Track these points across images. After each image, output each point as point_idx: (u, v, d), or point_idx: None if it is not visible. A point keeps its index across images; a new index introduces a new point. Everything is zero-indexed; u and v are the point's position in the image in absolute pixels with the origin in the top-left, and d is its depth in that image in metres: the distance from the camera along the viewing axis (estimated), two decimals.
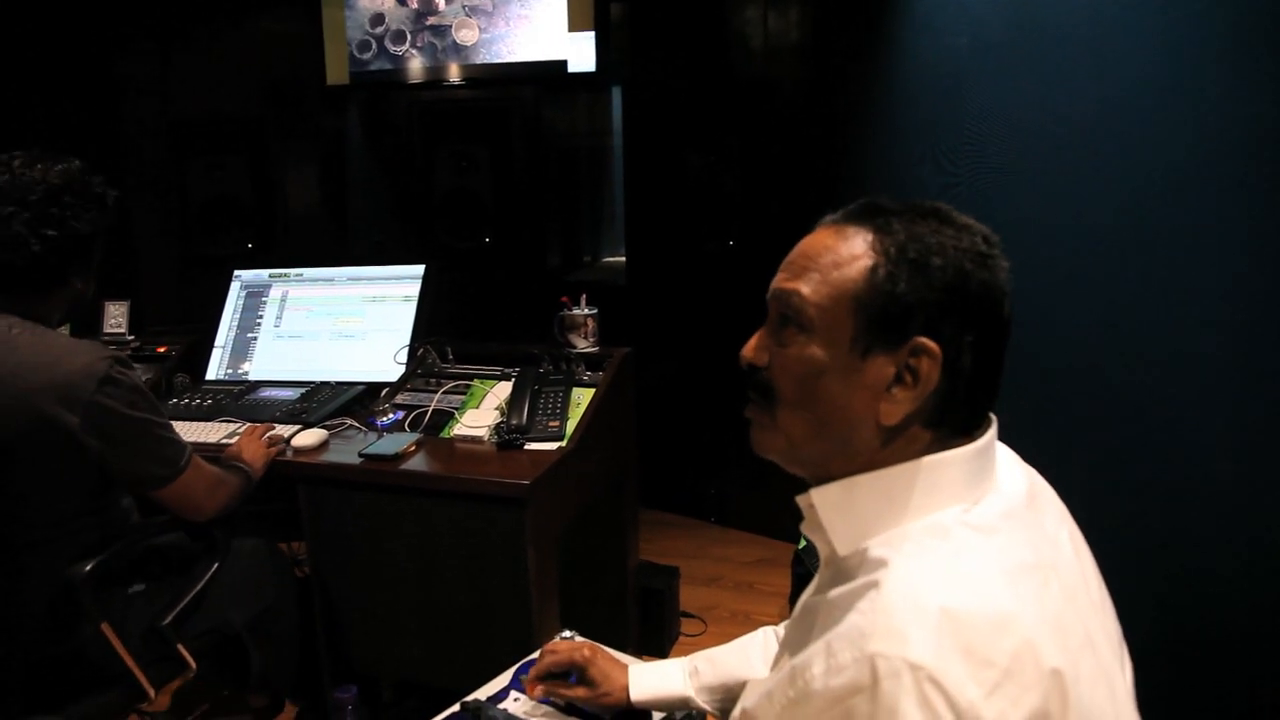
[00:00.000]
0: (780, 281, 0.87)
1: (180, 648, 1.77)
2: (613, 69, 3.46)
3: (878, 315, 0.82)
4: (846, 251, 0.84)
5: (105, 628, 1.65)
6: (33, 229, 1.60)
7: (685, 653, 1.35)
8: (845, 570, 0.84)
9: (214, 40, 3.65)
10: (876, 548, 0.81)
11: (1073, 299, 1.92)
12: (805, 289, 0.84)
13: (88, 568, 1.60)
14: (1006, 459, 0.91)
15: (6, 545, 1.60)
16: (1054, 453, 0.99)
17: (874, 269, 0.82)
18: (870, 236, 0.83)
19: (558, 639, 1.50)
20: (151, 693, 1.75)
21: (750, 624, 2.85)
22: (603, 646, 1.42)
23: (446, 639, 2.05)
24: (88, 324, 2.62)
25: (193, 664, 1.80)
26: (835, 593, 0.81)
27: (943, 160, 2.31)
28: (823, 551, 0.91)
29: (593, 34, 3.39)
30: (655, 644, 2.67)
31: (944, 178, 2.29)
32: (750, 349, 0.90)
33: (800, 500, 0.89)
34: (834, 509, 0.86)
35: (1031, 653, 0.72)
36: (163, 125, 3.58)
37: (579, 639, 1.50)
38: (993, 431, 0.87)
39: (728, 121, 3.25)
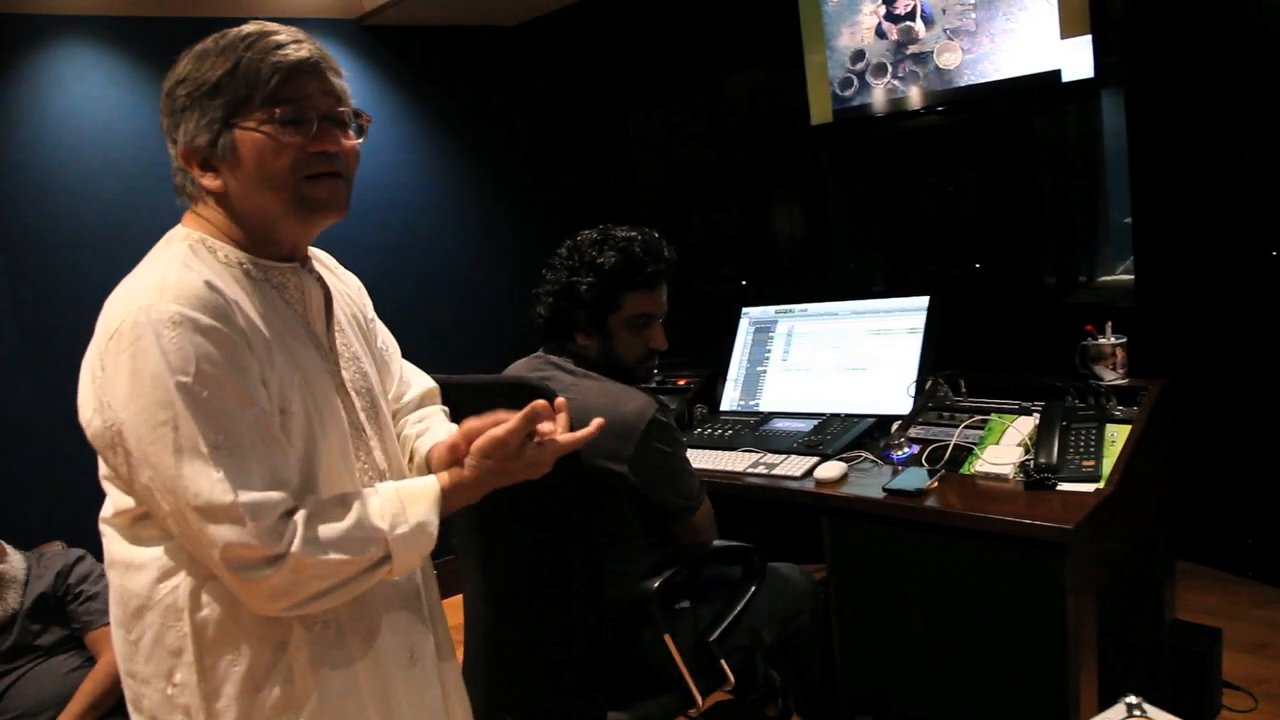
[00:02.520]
0: None
1: (722, 662, 1.91)
2: (1111, 71, 3.17)
3: None
4: None
5: (667, 639, 1.83)
6: (545, 289, 1.95)
7: None
8: None
9: (707, 94, 3.98)
10: None
11: None
12: None
13: (655, 584, 1.79)
14: None
15: (589, 563, 1.84)
16: None
17: None
18: None
19: (1122, 708, 1.37)
20: (700, 700, 1.90)
21: None
22: None
23: (967, 681, 1.98)
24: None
25: (731, 678, 1.93)
26: None
27: None
28: None
29: (1089, 38, 3.13)
30: (1193, 717, 2.34)
31: None
32: None
33: None
34: None
35: None
36: (665, 173, 3.98)
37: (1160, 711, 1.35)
38: None
39: (1258, 110, 2.81)
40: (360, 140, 1.18)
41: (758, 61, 3.88)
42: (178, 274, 1.07)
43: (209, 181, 1.13)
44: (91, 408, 1.07)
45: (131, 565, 1.14)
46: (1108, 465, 1.95)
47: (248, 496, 1.03)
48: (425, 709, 1.30)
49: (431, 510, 1.14)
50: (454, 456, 1.22)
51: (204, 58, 1.11)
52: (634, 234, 1.93)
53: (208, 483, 1.02)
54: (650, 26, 3.96)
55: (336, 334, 1.25)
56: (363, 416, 1.25)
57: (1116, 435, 2.03)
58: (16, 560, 2.33)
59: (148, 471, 1.04)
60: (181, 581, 1.11)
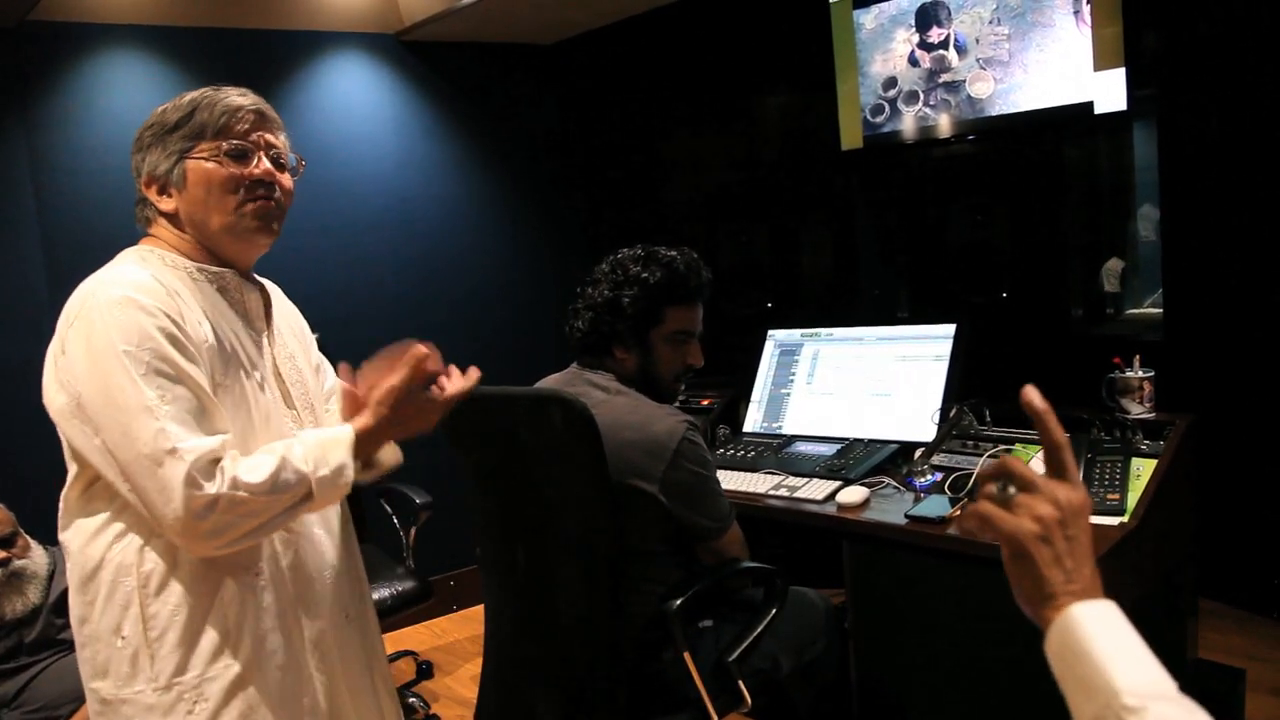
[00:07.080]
0: None
1: (740, 684, 1.91)
2: (1144, 104, 3.17)
3: None
4: None
5: (686, 656, 1.82)
6: (584, 304, 1.97)
7: None
8: None
9: (737, 117, 4.01)
10: None
11: None
12: None
13: (678, 603, 1.79)
14: None
15: (612, 579, 1.84)
16: None
17: None
18: None
19: None
20: None
21: None
22: None
23: (985, 713, 1.96)
24: None
25: (749, 700, 1.92)
26: None
27: None
28: None
29: (1122, 71, 3.13)
30: None
31: None
32: None
33: None
34: None
35: None
36: (694, 194, 4.00)
37: None
38: None
39: None
40: (295, 178, 1.43)
41: (789, 86, 3.90)
42: (125, 269, 1.30)
43: (165, 204, 1.36)
44: (55, 387, 1.26)
45: (87, 531, 1.30)
46: (1132, 499, 1.94)
47: (186, 444, 1.19)
48: (358, 661, 1.46)
49: (348, 454, 1.30)
50: (353, 405, 1.37)
51: (167, 110, 1.36)
52: (674, 253, 1.98)
53: (151, 433, 1.19)
54: (683, 49, 3.99)
55: (274, 333, 1.46)
56: (294, 393, 1.45)
57: (1142, 469, 2.02)
58: (39, 555, 2.37)
59: (103, 434, 1.21)
60: (130, 541, 1.27)
